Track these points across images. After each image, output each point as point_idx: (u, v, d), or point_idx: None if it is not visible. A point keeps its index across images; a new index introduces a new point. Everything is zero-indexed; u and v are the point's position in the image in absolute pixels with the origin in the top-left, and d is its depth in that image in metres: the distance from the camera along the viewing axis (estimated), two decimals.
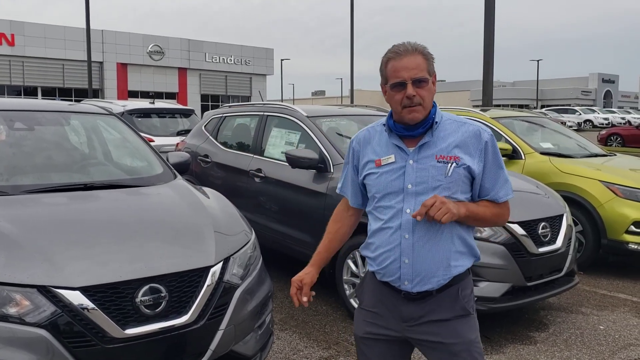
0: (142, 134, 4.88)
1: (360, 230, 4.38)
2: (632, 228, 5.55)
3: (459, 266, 2.01)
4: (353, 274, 4.43)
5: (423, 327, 2.03)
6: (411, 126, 1.98)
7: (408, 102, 1.94)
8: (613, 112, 41.45)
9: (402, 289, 2.02)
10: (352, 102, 29.10)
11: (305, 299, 2.15)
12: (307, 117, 5.20)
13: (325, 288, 5.03)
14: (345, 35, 41.40)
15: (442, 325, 2.01)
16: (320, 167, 4.73)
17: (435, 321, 2.02)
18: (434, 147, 1.98)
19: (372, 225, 2.09)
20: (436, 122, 1.99)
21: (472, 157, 1.97)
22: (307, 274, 2.19)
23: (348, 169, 2.22)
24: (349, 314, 4.47)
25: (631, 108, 45.26)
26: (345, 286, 4.49)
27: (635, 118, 33.95)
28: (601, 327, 4.41)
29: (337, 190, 2.29)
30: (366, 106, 6.53)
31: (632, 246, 5.55)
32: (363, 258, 4.33)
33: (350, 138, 5.42)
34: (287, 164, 4.85)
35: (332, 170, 4.68)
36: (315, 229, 4.74)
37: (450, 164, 1.95)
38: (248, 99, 43.54)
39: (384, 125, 2.07)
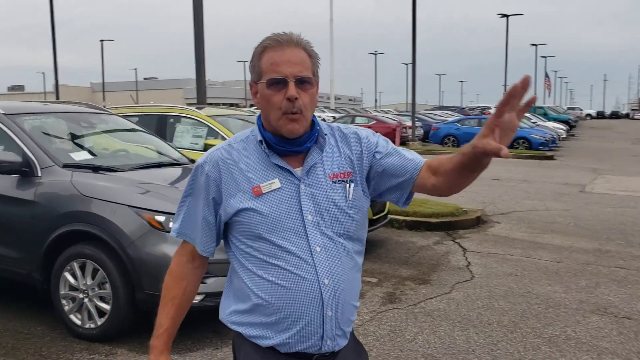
0: None
1: (77, 238, 4.09)
2: None
3: (357, 304, 1.69)
4: (72, 288, 4.04)
5: None
6: (294, 140, 1.54)
7: (289, 106, 1.49)
8: None
9: (323, 350, 1.57)
10: (57, 98, 26.70)
11: None
12: (5, 114, 4.57)
13: (37, 306, 4.50)
14: (46, 25, 37.68)
15: None
16: (25, 171, 4.21)
17: None
18: (324, 165, 1.59)
19: (259, 276, 1.55)
20: (326, 135, 1.62)
21: (361, 164, 1.63)
22: None
23: (194, 205, 1.62)
24: (69, 332, 4.07)
25: (325, 107, 50.95)
26: (64, 302, 4.07)
27: (328, 116, 38.34)
28: None
29: (174, 234, 1.68)
30: (76, 103, 6.04)
31: None
32: (82, 268, 3.97)
33: (60, 138, 5.04)
34: None
35: (39, 175, 4.19)
36: (21, 241, 4.21)
37: (348, 184, 1.59)
38: None
39: (260, 141, 1.57)
